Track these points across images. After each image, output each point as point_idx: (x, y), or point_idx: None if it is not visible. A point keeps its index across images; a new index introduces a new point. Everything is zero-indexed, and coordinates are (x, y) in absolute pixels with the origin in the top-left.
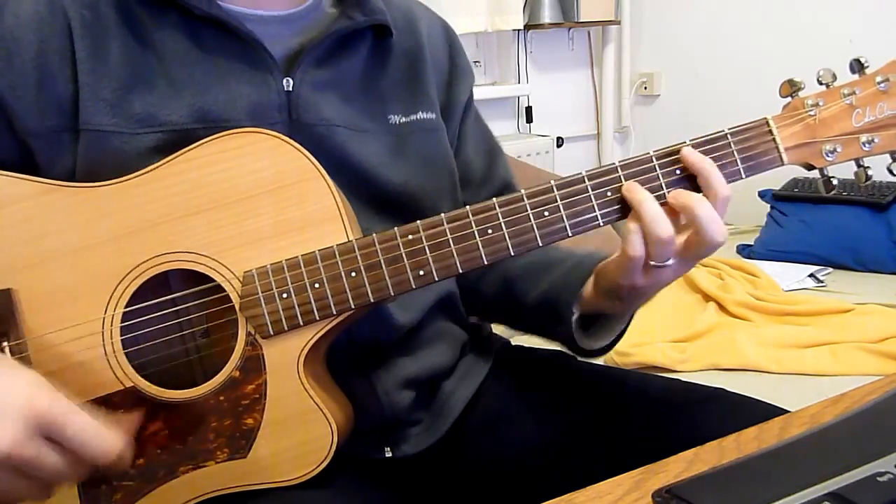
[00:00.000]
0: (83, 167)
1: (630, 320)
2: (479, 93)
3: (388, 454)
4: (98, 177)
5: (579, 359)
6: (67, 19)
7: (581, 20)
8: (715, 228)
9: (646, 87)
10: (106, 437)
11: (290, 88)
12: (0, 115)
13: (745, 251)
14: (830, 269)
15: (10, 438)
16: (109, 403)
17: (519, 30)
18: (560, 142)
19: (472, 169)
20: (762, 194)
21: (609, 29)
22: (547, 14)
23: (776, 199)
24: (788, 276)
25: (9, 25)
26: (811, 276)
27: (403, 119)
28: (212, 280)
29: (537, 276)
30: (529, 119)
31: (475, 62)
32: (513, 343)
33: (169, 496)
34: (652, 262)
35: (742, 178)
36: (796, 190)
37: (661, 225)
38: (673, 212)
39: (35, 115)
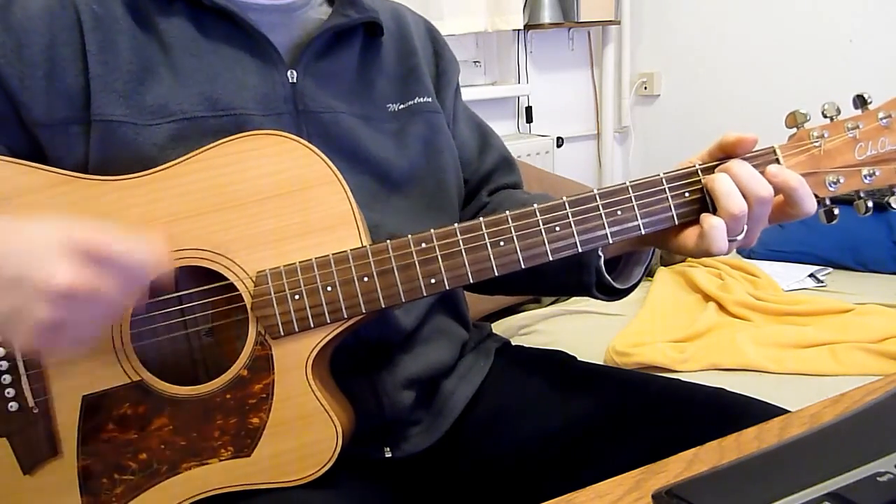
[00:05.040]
0: (96, 158)
1: (651, 259)
2: (478, 93)
3: (388, 454)
4: (111, 168)
5: (580, 359)
6: (77, 13)
7: (581, 20)
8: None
9: (646, 87)
10: (145, 243)
11: (295, 80)
12: (9, 105)
13: (745, 251)
14: (830, 269)
15: (65, 271)
16: (116, 397)
17: (519, 30)
18: (560, 142)
19: (469, 145)
20: None
21: (609, 29)
22: (547, 14)
23: None
24: (788, 276)
25: (18, 18)
26: (811, 276)
27: (401, 106)
28: (223, 278)
29: None
30: (529, 119)
31: (475, 62)
32: (513, 343)
33: (170, 492)
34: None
35: None
36: None
37: (736, 200)
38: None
39: (44, 106)
